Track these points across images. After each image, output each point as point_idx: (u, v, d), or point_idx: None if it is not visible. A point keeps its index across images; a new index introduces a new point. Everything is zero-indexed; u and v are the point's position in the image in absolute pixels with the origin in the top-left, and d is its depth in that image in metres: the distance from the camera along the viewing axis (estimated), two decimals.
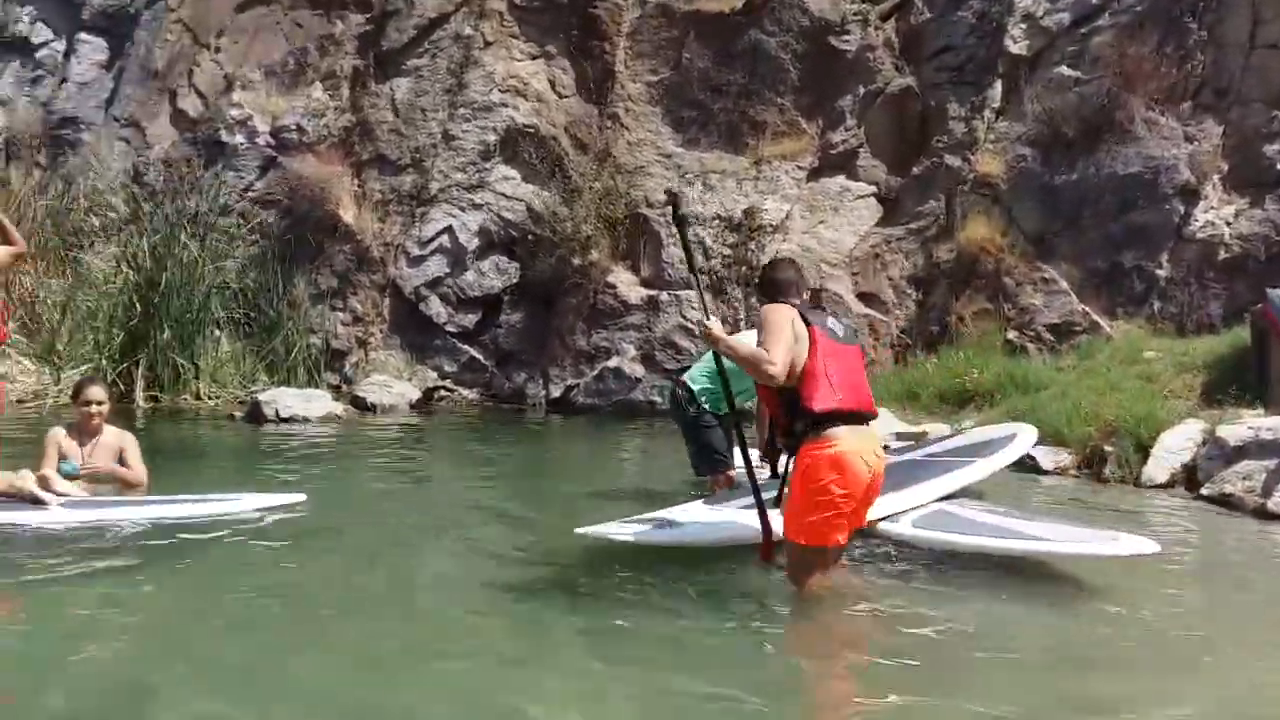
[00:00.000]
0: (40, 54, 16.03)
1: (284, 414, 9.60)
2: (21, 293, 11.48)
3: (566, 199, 11.98)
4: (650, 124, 12.48)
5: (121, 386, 10.57)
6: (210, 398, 10.86)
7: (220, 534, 4.92)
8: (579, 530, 4.43)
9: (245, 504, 5.32)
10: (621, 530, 4.42)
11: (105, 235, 12.54)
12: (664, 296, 11.28)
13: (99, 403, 5.75)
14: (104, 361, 10.73)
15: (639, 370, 11.10)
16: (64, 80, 15.87)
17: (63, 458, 5.61)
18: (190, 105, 14.83)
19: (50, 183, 13.66)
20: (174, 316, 10.89)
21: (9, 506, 5.06)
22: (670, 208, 4.95)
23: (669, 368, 10.55)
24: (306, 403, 9.88)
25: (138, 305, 10.90)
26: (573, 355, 11.61)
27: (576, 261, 11.64)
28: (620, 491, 6.21)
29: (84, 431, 5.73)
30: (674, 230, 6.23)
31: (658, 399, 10.35)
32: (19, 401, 10.41)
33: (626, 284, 11.55)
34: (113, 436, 5.82)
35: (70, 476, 5.49)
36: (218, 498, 5.39)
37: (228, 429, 9.43)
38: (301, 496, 5.55)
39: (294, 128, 13.46)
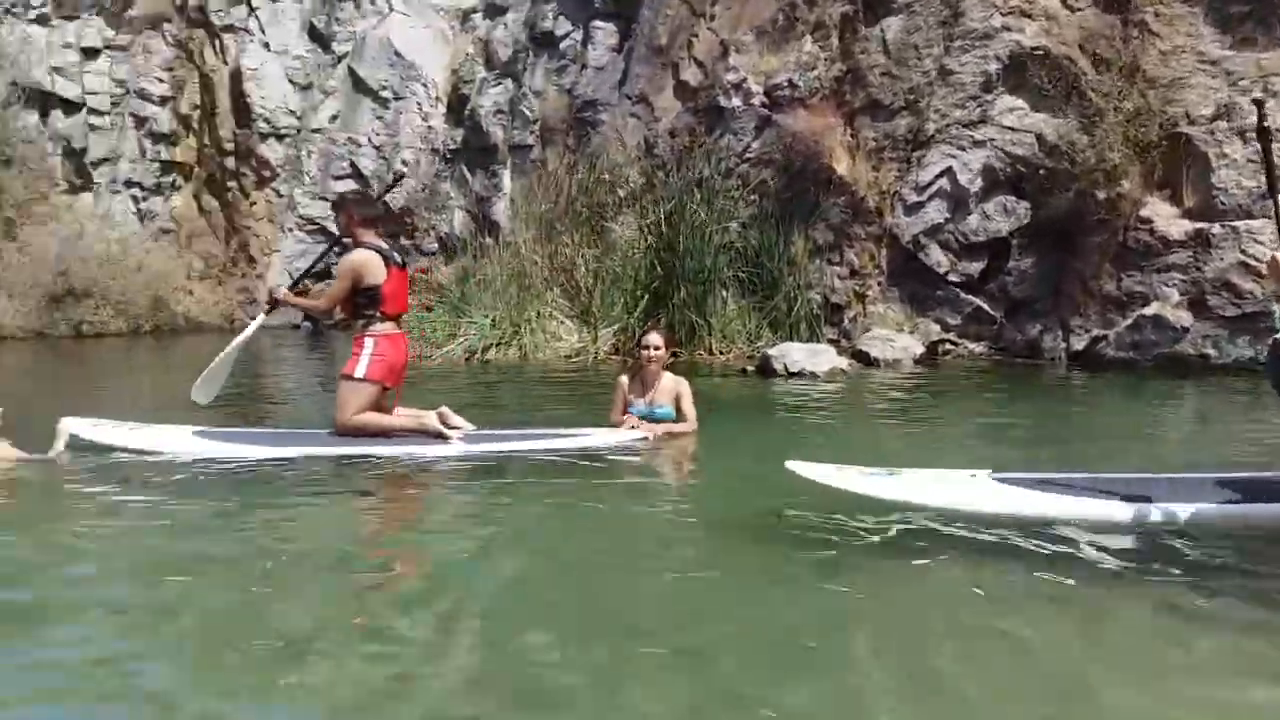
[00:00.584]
0: (563, 45, 17.92)
1: (792, 369, 9.76)
2: (562, 261, 12.95)
3: (1085, 125, 10.72)
4: (1188, 26, 10.69)
5: None
6: (721, 353, 11.42)
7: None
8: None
9: (598, 439, 6.00)
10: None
11: (626, 206, 13.68)
12: (1216, 230, 9.64)
13: (655, 348, 6.28)
14: (630, 320, 11.74)
15: (1185, 318, 9.64)
16: (584, 67, 17.60)
17: (629, 401, 6.29)
18: (691, 75, 15.61)
19: (578, 162, 15.21)
20: (688, 277, 11.58)
21: (417, 442, 5.91)
22: (1260, 119, 4.10)
23: (1226, 314, 8.99)
24: (813, 357, 9.95)
25: (658, 268, 11.76)
26: (1099, 302, 10.41)
27: (1101, 195, 10.38)
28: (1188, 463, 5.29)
29: (644, 376, 6.34)
30: (1251, 147, 5.12)
31: (1212, 352, 8.88)
32: (565, 357, 11.80)
33: (1165, 217, 10.06)
34: (670, 381, 6.36)
35: (644, 418, 6.21)
36: (590, 432, 6.10)
37: (742, 383, 9.79)
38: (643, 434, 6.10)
39: (785, 84, 13.52)
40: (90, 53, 20.30)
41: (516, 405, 8.65)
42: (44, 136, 19.86)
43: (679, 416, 6.28)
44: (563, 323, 12.38)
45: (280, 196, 19.54)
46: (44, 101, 19.97)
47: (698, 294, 11.60)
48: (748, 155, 13.57)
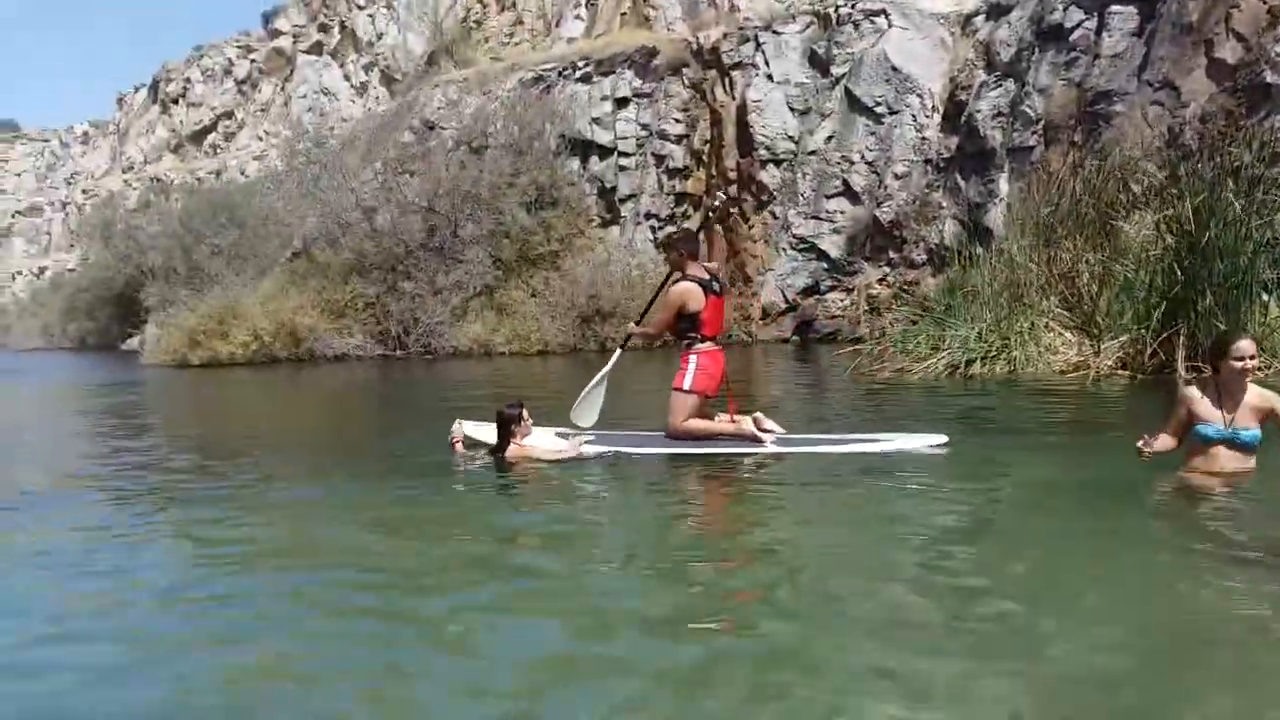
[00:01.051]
0: (1074, 36, 16.52)
1: None
2: (1062, 267, 11.83)
3: None
4: None
5: (1162, 356, 10.06)
6: (1259, 369, 9.57)
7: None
8: None
9: (900, 443, 6.38)
10: None
11: (1141, 204, 12.15)
12: None
13: (1250, 356, 4.96)
14: (1141, 331, 10.35)
15: None
16: (1096, 57, 16.06)
17: (1195, 419, 5.07)
18: (1228, 52, 13.58)
19: (1086, 159, 13.86)
20: (1217, 280, 9.90)
21: (737, 444, 6.58)
22: None
23: None
24: None
25: (1178, 272, 10.21)
26: None
27: None
28: None
29: (1224, 390, 5.03)
30: None
31: None
32: (1060, 372, 10.72)
33: None
34: (1257, 397, 5.01)
35: (1224, 441, 4.98)
36: (894, 437, 6.51)
37: None
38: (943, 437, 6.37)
39: None
40: (621, 102, 23.03)
41: (1007, 422, 8.00)
42: (583, 179, 22.91)
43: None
44: (1060, 334, 11.29)
45: (775, 218, 20.41)
46: (584, 149, 23.06)
47: (1230, 300, 9.86)
48: None
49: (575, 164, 23.11)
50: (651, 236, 22.21)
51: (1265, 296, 10.07)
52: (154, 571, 4.45)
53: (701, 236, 7.29)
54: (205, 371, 20.93)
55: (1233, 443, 4.99)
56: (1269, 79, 12.14)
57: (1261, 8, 13.41)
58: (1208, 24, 13.93)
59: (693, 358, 6.69)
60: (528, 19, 31.23)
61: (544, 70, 24.71)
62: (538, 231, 21.85)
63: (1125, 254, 11.41)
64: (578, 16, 28.81)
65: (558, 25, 29.81)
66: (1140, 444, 5.10)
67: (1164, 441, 5.15)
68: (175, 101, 50.96)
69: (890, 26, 19.82)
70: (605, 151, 23.00)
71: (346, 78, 41.55)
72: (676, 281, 6.76)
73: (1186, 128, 13.20)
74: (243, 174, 39.30)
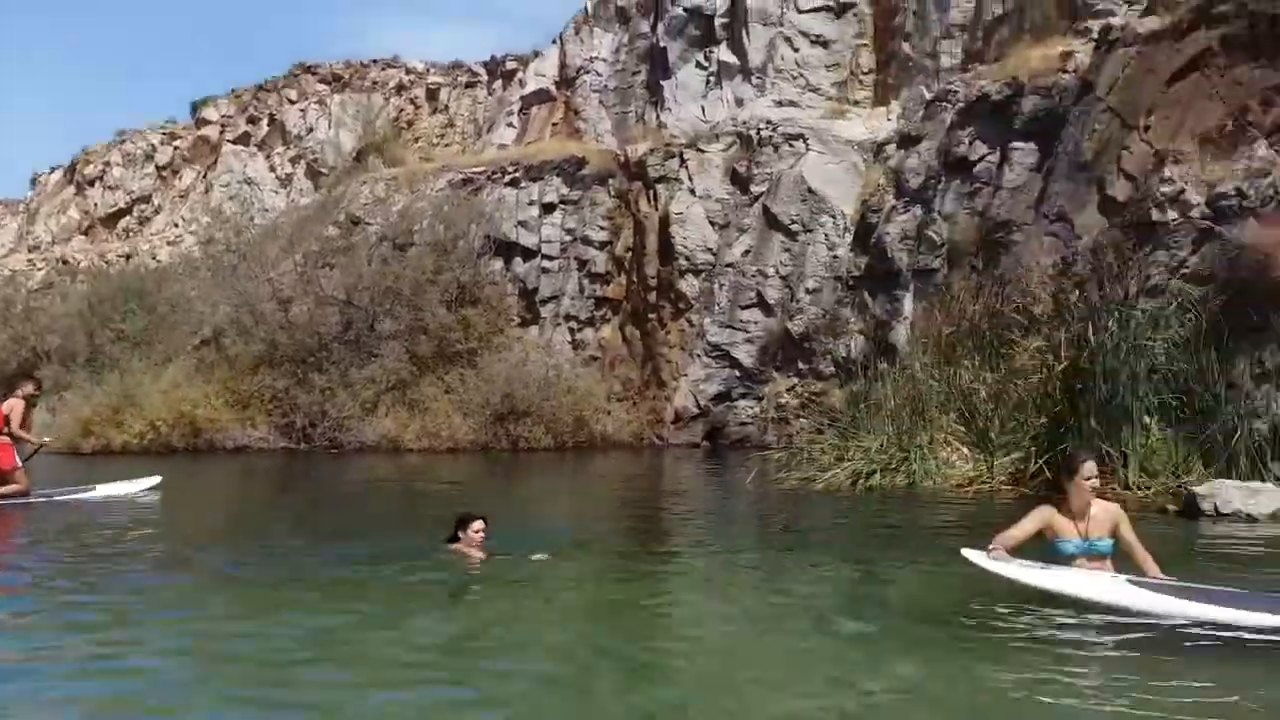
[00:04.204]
0: (977, 169, 17.42)
1: (1224, 509, 8.21)
2: (960, 385, 12.22)
3: None
4: None
5: (1048, 474, 10.34)
6: (1139, 488, 9.90)
7: None
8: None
9: None
10: None
11: (1034, 328, 12.68)
12: None
13: (1093, 476, 5.45)
14: (1031, 447, 10.66)
15: None
16: (998, 188, 16.91)
17: (1056, 534, 5.43)
18: (1119, 190, 14.40)
19: (985, 284, 14.46)
20: (1098, 403, 10.31)
21: None
22: None
23: None
24: (1252, 498, 8.31)
25: (1065, 393, 10.63)
26: None
27: None
28: None
29: (1075, 507, 5.43)
30: None
31: None
32: (957, 486, 10.97)
33: None
34: (1103, 511, 5.45)
35: (1082, 554, 5.33)
36: None
37: (1159, 523, 8.37)
38: None
39: (1233, 194, 12.07)
40: (548, 207, 23.45)
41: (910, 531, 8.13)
42: (505, 279, 23.09)
43: (1122, 548, 5.39)
44: (958, 449, 11.58)
45: (692, 325, 20.77)
46: (508, 250, 23.31)
47: (1110, 421, 10.25)
48: (1182, 271, 12.05)
49: (499, 264, 23.30)
50: (570, 338, 22.32)
51: (1147, 419, 10.48)
52: None
53: None
54: (93, 460, 20.05)
55: (1090, 553, 5.35)
56: (1154, 217, 12.86)
57: (1149, 150, 14.33)
58: (1100, 163, 14.78)
59: None
60: (459, 123, 31.87)
61: (474, 173, 25.06)
62: (456, 329, 21.79)
63: (1019, 375, 11.85)
64: (509, 124, 29.45)
65: (489, 131, 30.42)
66: (990, 550, 5.38)
67: (1005, 546, 5.43)
68: (92, 184, 50.12)
69: (808, 150, 20.70)
70: (529, 253, 23.28)
71: (272, 169, 41.51)
72: None
73: (1079, 258, 13.86)
74: (154, 259, 38.55)
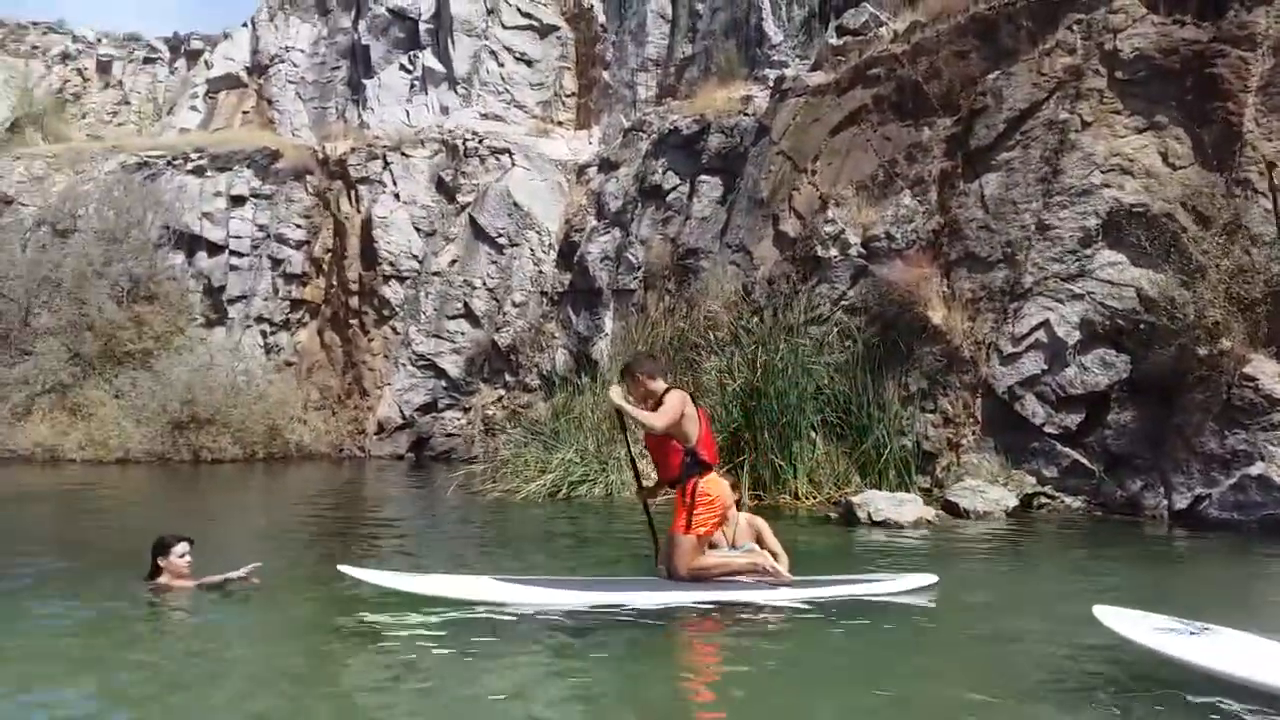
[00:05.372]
0: (670, 197, 18.69)
1: (876, 517, 9.56)
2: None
3: (1186, 281, 10.51)
4: None
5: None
6: (807, 497, 11.27)
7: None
8: None
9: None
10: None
11: (718, 350, 13.89)
12: None
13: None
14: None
15: None
16: (687, 218, 18.25)
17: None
18: (790, 227, 15.98)
19: (677, 306, 15.59)
20: (772, 420, 11.58)
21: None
22: None
23: None
24: (898, 506, 9.74)
25: (738, 411, 11.82)
26: (1201, 460, 9.95)
27: (1203, 351, 10.07)
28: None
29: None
30: None
31: None
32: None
33: (1271, 376, 9.66)
34: (745, 521, 6.60)
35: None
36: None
37: (823, 529, 9.62)
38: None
39: (883, 236, 13.73)
40: (237, 200, 22.16)
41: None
42: (188, 275, 21.55)
43: (769, 548, 6.41)
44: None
45: (396, 334, 20.54)
46: (191, 243, 21.78)
47: (783, 437, 11.56)
48: (842, 302, 13.69)
49: (179, 259, 21.70)
50: (263, 342, 21.26)
51: (814, 435, 11.90)
52: None
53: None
54: None
55: None
56: (819, 253, 14.47)
57: (815, 193, 16.09)
58: (775, 201, 16.32)
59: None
60: (135, 101, 29.21)
61: (151, 156, 23.11)
62: (129, 326, 20.01)
63: (705, 393, 12.94)
64: (193, 108, 27.42)
65: (170, 113, 28.14)
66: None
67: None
68: None
69: (514, 165, 21.14)
70: (215, 248, 21.89)
71: None
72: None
73: (757, 287, 15.31)
74: None
